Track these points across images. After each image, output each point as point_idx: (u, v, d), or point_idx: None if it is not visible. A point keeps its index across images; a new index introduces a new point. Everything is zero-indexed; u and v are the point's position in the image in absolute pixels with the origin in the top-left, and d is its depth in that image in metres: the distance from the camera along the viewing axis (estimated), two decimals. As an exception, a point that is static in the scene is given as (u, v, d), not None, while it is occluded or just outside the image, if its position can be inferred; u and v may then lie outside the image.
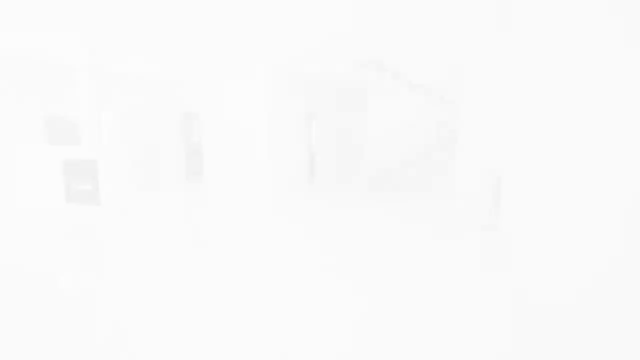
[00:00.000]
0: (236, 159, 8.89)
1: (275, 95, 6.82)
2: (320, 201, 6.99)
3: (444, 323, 2.29)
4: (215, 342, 2.06)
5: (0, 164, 6.04)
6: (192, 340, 2.07)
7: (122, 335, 2.10)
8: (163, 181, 9.07)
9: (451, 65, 7.33)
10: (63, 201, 5.64)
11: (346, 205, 6.46)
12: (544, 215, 2.28)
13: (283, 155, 7.22)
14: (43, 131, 6.45)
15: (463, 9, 3.80)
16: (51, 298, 2.70)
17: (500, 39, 4.85)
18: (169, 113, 9.17)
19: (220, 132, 9.01)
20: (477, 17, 4.06)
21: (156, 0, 3.58)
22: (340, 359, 1.85)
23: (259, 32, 4.60)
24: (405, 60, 6.79)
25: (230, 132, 8.91)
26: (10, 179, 6.16)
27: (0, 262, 3.50)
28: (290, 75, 7.11)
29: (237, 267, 3.28)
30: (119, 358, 1.87)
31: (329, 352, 1.93)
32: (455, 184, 5.95)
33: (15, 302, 2.60)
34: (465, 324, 2.23)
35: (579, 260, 1.61)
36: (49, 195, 5.81)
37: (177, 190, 8.41)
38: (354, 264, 3.45)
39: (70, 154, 5.50)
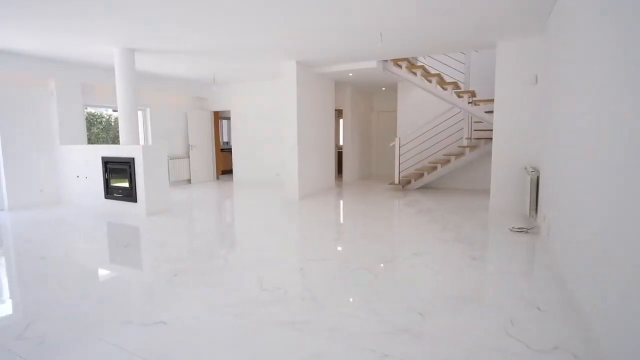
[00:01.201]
0: (265, 157, 9.00)
1: (304, 93, 6.83)
2: (347, 197, 6.98)
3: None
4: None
5: (46, 163, 6.39)
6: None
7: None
8: (195, 179, 9.31)
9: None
10: (102, 198, 5.91)
11: (374, 202, 6.41)
12: (587, 215, 2.18)
13: (311, 152, 7.23)
14: (83, 130, 6.76)
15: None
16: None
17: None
18: (201, 112, 9.39)
19: (250, 130, 9.15)
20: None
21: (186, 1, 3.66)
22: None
23: (288, 32, 4.62)
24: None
25: (259, 131, 9.02)
26: (54, 176, 6.51)
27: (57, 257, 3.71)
28: (319, 73, 7.11)
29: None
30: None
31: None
32: (490, 182, 5.77)
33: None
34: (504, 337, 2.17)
35: (630, 264, 1.52)
36: (90, 192, 6.10)
37: (209, 188, 8.61)
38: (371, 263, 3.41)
39: (109, 152, 5.75)
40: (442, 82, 6.93)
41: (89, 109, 9.92)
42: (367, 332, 2.13)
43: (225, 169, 10.66)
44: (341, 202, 6.77)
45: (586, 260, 2.22)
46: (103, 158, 5.79)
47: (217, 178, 10.07)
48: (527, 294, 2.62)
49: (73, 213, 5.75)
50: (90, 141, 9.87)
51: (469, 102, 6.79)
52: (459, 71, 7.42)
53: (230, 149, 10.17)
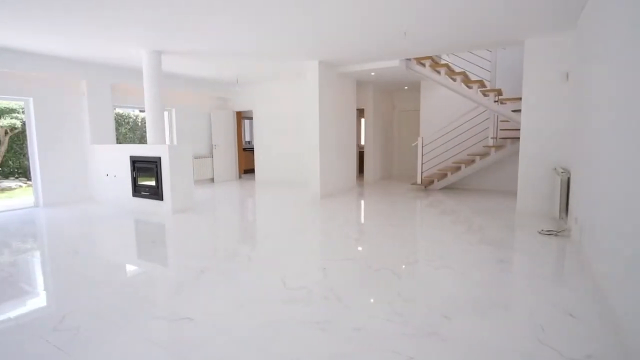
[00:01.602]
0: (286, 156, 9.05)
1: (326, 93, 6.83)
2: (368, 197, 6.93)
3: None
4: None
5: (77, 162, 6.64)
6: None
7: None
8: (217, 178, 9.46)
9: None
10: (130, 196, 6.09)
11: (396, 202, 6.34)
12: (624, 217, 2.08)
13: (333, 152, 7.22)
14: (112, 130, 6.99)
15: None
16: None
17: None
18: (224, 112, 9.54)
19: (272, 130, 9.23)
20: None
21: (211, 2, 3.72)
22: None
23: (311, 31, 4.63)
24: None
25: (281, 130, 9.09)
26: (85, 174, 6.76)
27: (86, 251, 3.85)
28: (341, 73, 7.10)
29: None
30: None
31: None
32: (516, 183, 5.61)
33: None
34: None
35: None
36: (119, 190, 6.29)
37: (232, 187, 8.74)
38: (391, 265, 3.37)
39: (137, 152, 5.91)
40: (467, 81, 6.79)
41: (117, 110, 10.25)
42: (391, 333, 2.11)
43: (247, 168, 10.79)
44: (362, 202, 6.74)
45: (622, 265, 2.13)
46: (131, 157, 5.97)
47: (239, 177, 10.21)
48: (559, 299, 2.53)
49: (103, 210, 5.96)
50: (118, 141, 10.20)
51: (495, 101, 6.62)
52: (484, 69, 7.24)
53: (252, 148, 10.28)
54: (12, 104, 9.03)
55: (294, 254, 3.69)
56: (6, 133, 9.05)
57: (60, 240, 4.31)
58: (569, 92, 4.78)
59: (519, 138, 5.97)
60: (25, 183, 9.28)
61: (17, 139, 9.39)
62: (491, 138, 7.21)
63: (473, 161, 7.16)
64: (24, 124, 8.53)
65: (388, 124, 10.09)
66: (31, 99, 6.02)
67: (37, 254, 3.93)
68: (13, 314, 2.49)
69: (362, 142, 10.30)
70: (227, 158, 9.73)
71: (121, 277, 3.22)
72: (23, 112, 8.45)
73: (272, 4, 3.72)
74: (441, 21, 4.32)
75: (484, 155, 7.07)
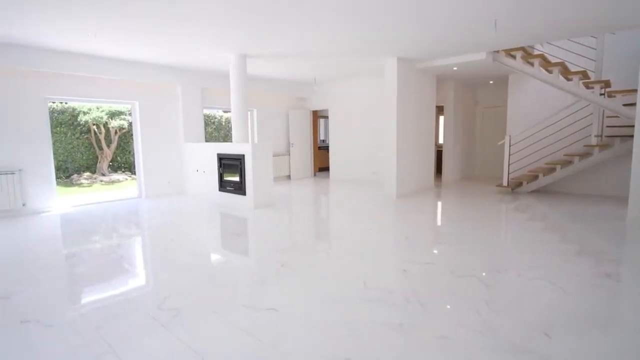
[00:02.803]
0: (361, 155, 9.02)
1: (404, 90, 6.64)
2: (447, 198, 6.60)
3: None
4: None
5: (173, 158, 7.36)
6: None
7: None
8: (294, 176, 9.77)
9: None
10: (217, 190, 6.57)
11: (477, 204, 5.92)
12: None
13: (410, 151, 7.01)
14: (202, 130, 7.61)
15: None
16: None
17: None
18: (301, 112, 9.82)
19: (347, 128, 9.26)
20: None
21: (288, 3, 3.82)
22: None
23: (392, 28, 4.53)
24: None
25: (357, 129, 9.07)
26: (179, 170, 7.46)
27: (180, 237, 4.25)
28: (420, 69, 6.86)
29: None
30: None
31: None
32: (627, 188, 4.89)
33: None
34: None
35: None
36: (207, 185, 6.83)
37: (307, 184, 8.97)
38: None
39: (223, 150, 6.35)
40: (566, 72, 6.08)
41: (204, 110, 11.11)
42: (482, 346, 1.97)
43: (321, 167, 10.98)
44: (441, 203, 6.44)
45: None
46: (218, 155, 6.43)
47: (314, 175, 10.43)
48: (690, 326, 2.14)
49: (193, 203, 6.52)
50: (205, 140, 11.07)
51: (601, 94, 5.84)
52: (588, 58, 6.41)
53: (327, 147, 10.43)
54: (120, 107, 10.31)
55: (371, 253, 3.66)
56: (116, 133, 10.38)
57: (159, 229, 4.81)
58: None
59: (631, 136, 5.22)
60: (130, 177, 10.54)
61: (124, 137, 10.71)
62: (595, 136, 6.37)
63: (570, 162, 6.40)
64: (130, 124, 9.70)
65: (469, 122, 9.50)
66: (137, 103, 6.81)
67: (139, 239, 4.43)
68: (122, 290, 2.85)
69: (441, 141, 9.83)
70: (303, 156, 10.00)
71: (211, 265, 3.49)
72: (129, 114, 9.62)
73: (360, 3, 3.70)
74: (538, 5, 3.92)
75: (584, 155, 6.28)
